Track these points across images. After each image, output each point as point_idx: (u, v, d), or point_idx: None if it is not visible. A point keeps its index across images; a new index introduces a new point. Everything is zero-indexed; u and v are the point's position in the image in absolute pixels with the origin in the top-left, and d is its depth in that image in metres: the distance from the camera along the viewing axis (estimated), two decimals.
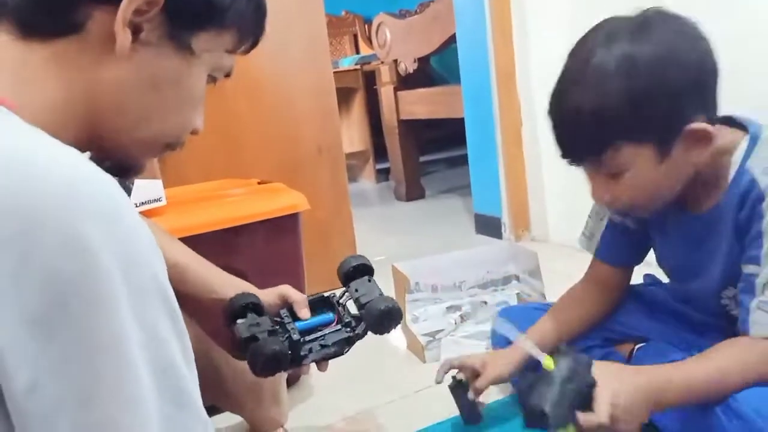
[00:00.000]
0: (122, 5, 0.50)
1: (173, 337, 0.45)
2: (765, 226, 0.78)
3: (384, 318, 0.79)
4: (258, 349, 0.76)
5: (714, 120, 0.81)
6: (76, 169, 0.42)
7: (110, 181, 0.43)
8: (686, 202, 0.90)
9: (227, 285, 0.85)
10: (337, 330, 0.81)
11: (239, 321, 0.79)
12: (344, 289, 0.86)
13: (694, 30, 0.80)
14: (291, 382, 1.27)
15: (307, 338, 0.80)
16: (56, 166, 0.41)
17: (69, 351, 0.39)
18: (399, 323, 0.81)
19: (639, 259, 1.06)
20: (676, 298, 1.05)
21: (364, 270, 0.86)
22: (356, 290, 0.83)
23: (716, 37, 0.81)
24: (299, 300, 0.83)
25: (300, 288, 1.30)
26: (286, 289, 0.85)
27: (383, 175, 3.81)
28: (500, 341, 1.15)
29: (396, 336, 1.55)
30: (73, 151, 0.44)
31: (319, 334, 0.81)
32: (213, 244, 1.16)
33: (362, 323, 0.82)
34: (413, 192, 3.22)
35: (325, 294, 0.87)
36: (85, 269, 0.39)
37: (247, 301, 0.81)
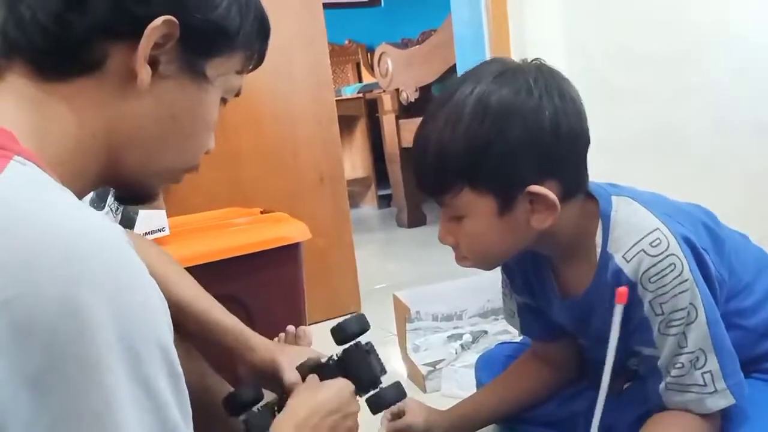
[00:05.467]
0: (142, 41, 0.50)
1: (175, 399, 0.44)
2: (648, 313, 0.76)
3: (390, 405, 0.80)
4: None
5: (573, 190, 0.78)
6: (82, 230, 0.41)
7: (119, 243, 0.43)
8: (559, 285, 0.88)
9: (225, 329, 0.85)
10: None
11: (242, 419, 0.79)
12: (342, 351, 0.84)
13: (564, 93, 0.75)
14: None
15: None
16: (62, 228, 0.41)
17: (62, 416, 0.39)
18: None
19: (564, 332, 0.96)
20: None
21: (360, 332, 0.83)
22: (356, 367, 0.80)
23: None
24: (291, 386, 0.80)
25: (300, 317, 1.30)
26: (281, 371, 0.82)
27: (385, 201, 3.82)
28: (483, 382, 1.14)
29: (397, 365, 1.54)
30: (85, 210, 0.44)
31: None
32: (215, 273, 1.17)
33: (360, 394, 0.81)
34: (415, 218, 3.23)
35: (322, 360, 0.85)
36: (81, 335, 0.39)
37: (248, 398, 0.82)
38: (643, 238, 0.76)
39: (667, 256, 0.74)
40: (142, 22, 0.50)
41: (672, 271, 0.74)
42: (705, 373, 0.75)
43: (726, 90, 1.90)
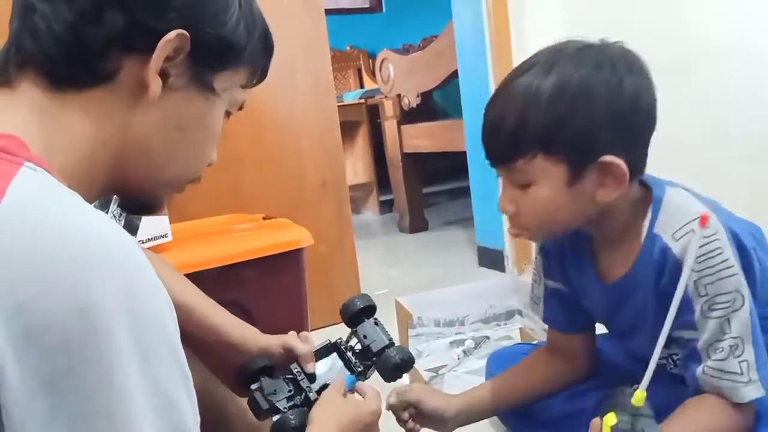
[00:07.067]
0: (155, 54, 0.51)
1: (185, 400, 0.45)
2: (691, 293, 0.76)
3: (398, 370, 0.82)
4: (281, 427, 0.76)
5: (637, 168, 0.80)
6: (94, 233, 0.42)
7: (129, 245, 0.44)
8: (600, 270, 0.88)
9: (231, 327, 0.85)
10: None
11: (254, 387, 0.80)
12: (350, 331, 0.87)
13: (645, 72, 0.78)
14: None
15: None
16: (75, 231, 0.41)
17: (77, 417, 0.39)
18: (410, 369, 0.83)
19: (586, 324, 0.98)
20: (622, 354, 1.01)
21: (369, 311, 0.87)
22: (365, 336, 0.84)
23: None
24: (304, 354, 0.83)
25: (302, 323, 1.30)
26: (291, 340, 0.84)
27: (387, 206, 3.83)
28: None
29: None
30: (96, 214, 0.45)
31: None
32: (217, 279, 1.17)
33: (372, 368, 0.83)
34: (416, 224, 3.23)
35: (331, 340, 0.87)
36: (93, 337, 0.39)
37: (260, 366, 0.82)
38: (693, 219, 0.77)
39: (715, 240, 0.76)
40: (155, 36, 0.51)
41: (720, 254, 0.75)
42: (742, 361, 0.76)
43: (727, 99, 1.90)
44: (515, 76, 0.79)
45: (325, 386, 0.80)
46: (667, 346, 0.84)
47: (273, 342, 0.84)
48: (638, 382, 0.93)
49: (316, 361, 0.84)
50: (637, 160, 0.79)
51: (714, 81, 1.91)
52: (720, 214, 0.79)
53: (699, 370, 0.78)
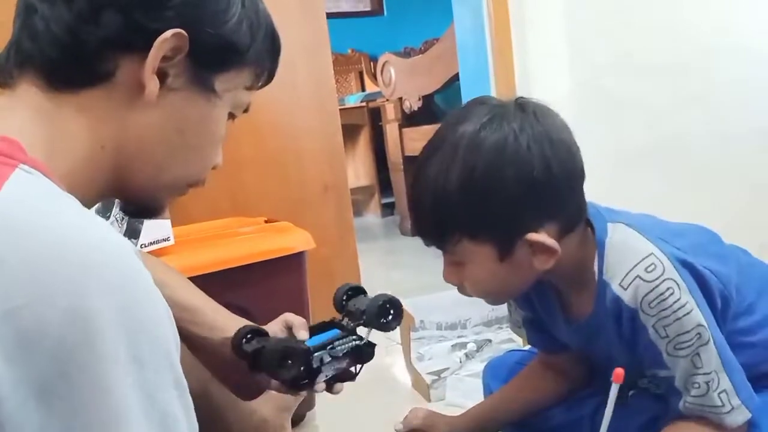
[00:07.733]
0: (151, 53, 0.50)
1: (180, 410, 0.44)
2: (653, 338, 0.75)
3: (386, 311, 0.77)
4: (270, 351, 0.74)
5: (572, 225, 0.78)
6: (91, 238, 0.42)
7: (128, 253, 0.43)
8: (564, 310, 0.88)
9: (234, 327, 0.85)
10: (344, 338, 0.81)
11: (245, 344, 0.80)
12: (343, 314, 0.86)
13: (551, 134, 0.74)
14: (296, 422, 1.26)
15: (317, 348, 0.79)
16: (71, 235, 0.41)
17: (70, 425, 0.39)
18: (402, 316, 0.79)
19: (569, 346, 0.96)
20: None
21: (357, 291, 0.86)
22: (354, 305, 0.83)
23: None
24: (298, 323, 0.82)
25: None
26: (288, 316, 0.84)
27: (388, 209, 3.83)
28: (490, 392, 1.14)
29: (401, 374, 1.54)
30: (92, 218, 0.44)
31: (328, 346, 0.80)
32: (219, 283, 1.17)
33: (367, 330, 0.82)
34: None
35: (326, 320, 0.87)
36: (88, 344, 0.39)
37: (252, 328, 0.82)
38: (637, 264, 0.75)
39: (664, 281, 0.74)
40: (152, 35, 0.50)
41: (671, 294, 0.74)
42: (721, 393, 0.75)
43: (728, 98, 1.90)
44: (423, 165, 0.77)
45: (318, 347, 0.78)
46: (643, 375, 0.84)
47: (273, 326, 0.85)
48: (633, 387, 0.93)
49: (311, 336, 0.83)
50: (568, 218, 0.77)
51: (715, 80, 1.91)
52: (663, 244, 0.77)
53: (680, 404, 0.77)
